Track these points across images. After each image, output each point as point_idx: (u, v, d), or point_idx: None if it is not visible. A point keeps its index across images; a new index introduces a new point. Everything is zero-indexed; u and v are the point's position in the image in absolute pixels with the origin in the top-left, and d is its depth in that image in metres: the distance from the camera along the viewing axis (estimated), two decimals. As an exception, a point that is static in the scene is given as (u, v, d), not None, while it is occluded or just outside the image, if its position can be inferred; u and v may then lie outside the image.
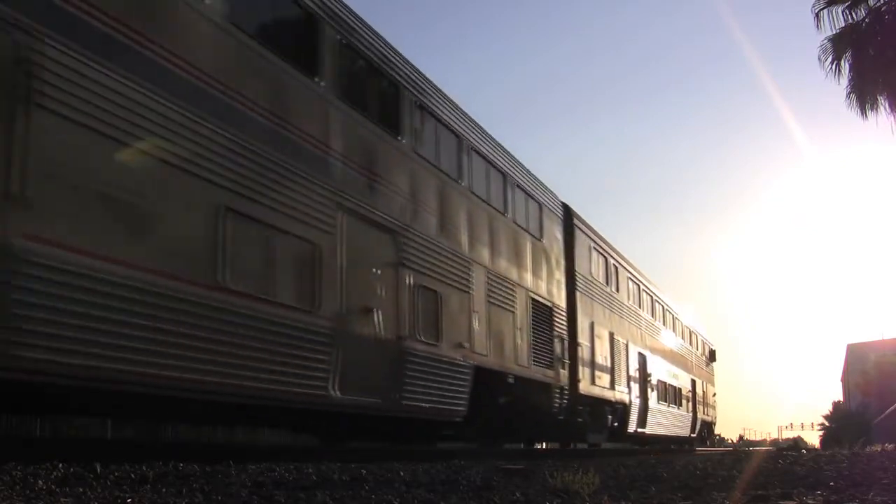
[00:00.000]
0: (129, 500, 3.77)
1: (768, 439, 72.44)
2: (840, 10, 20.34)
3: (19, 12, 5.53)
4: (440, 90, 11.89)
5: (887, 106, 20.40)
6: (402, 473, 6.02)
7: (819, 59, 20.72)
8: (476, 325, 12.22)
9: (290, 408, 8.36)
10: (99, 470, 4.76)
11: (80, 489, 4.04)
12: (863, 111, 20.49)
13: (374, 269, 9.64)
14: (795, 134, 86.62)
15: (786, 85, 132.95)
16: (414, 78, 11.10)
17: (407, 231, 10.42)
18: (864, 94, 20.45)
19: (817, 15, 20.43)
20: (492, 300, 12.87)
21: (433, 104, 11.61)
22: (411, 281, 10.39)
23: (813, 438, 55.55)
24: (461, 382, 11.52)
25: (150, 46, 6.63)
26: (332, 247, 8.77)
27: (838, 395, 72.56)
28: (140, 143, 6.38)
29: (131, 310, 6.16)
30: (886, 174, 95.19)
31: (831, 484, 5.67)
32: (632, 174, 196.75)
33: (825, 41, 20.62)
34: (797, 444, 28.70)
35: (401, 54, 10.81)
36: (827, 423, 57.85)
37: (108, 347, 5.95)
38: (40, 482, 4.18)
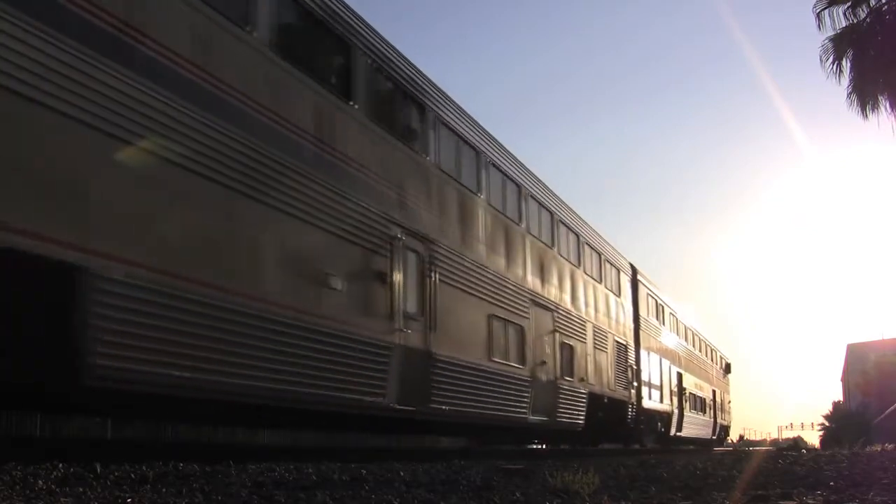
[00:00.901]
0: (129, 500, 3.79)
1: (768, 439, 73.50)
2: (841, 11, 20.27)
3: (429, 241, 11.13)
4: (569, 206, 17.67)
5: (888, 106, 20.37)
6: (402, 473, 6.05)
7: (820, 59, 20.64)
8: (588, 364, 17.90)
9: (510, 427, 14.14)
10: (99, 470, 4.80)
11: (80, 489, 4.05)
12: (863, 111, 20.46)
13: (544, 336, 15.32)
14: (795, 134, 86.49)
15: (786, 85, 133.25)
16: (555, 202, 16.84)
17: (558, 308, 16.15)
18: (865, 94, 20.41)
19: (818, 15, 20.40)
20: (596, 345, 18.61)
21: (567, 218, 17.42)
22: (560, 340, 16.08)
23: (813, 438, 55.34)
24: (582, 404, 17.22)
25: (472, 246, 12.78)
26: (528, 325, 14.45)
27: (838, 395, 71.68)
28: (470, 287, 12.21)
29: (474, 380, 11.98)
30: (886, 174, 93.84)
31: (831, 484, 5.66)
32: (632, 174, 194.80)
33: (826, 41, 20.54)
34: (797, 444, 29.27)
35: (558, 196, 16.81)
36: (827, 423, 57.46)
37: (473, 401, 11.83)
38: (40, 482, 4.19)
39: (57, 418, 8.27)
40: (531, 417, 14.28)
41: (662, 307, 26.84)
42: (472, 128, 12.99)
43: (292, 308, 8.09)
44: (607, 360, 19.52)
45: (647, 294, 24.74)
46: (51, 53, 5.71)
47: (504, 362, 13.25)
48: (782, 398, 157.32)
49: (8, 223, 5.34)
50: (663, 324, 26.76)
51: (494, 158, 13.72)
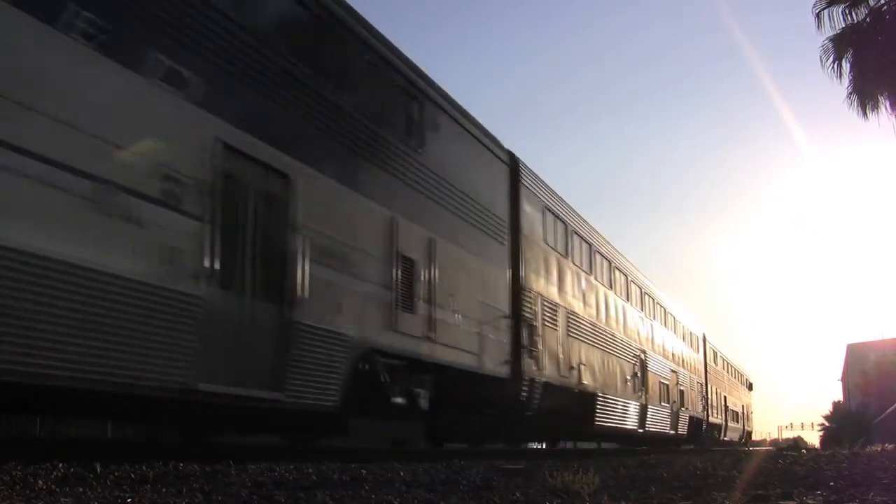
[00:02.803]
0: (129, 500, 3.80)
1: (768, 439, 75.94)
2: (840, 11, 20.15)
3: (644, 352, 23.68)
4: (675, 306, 30.69)
5: (888, 106, 20.32)
6: (402, 473, 6.04)
7: (821, 59, 20.59)
8: (689, 398, 30.08)
9: (664, 438, 26.42)
10: (99, 470, 4.81)
11: (80, 489, 4.07)
12: (864, 111, 20.42)
13: (675, 386, 27.44)
14: (795, 134, 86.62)
15: (786, 85, 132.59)
16: (679, 311, 29.50)
17: (680, 370, 28.54)
18: (865, 94, 20.35)
19: (818, 15, 20.29)
20: (690, 386, 30.79)
21: (683, 319, 30.25)
22: (679, 388, 28.25)
23: (813, 438, 56.95)
24: (686, 421, 29.26)
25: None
26: (670, 383, 26.79)
27: (838, 395, 72.10)
28: (656, 370, 25.07)
29: (658, 415, 25.27)
30: (887, 174, 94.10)
31: (831, 484, 5.66)
32: (632, 174, 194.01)
33: (826, 41, 20.47)
34: (797, 444, 31.58)
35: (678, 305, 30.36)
36: (827, 423, 58.50)
37: (658, 425, 25.14)
38: (40, 482, 4.21)
39: (57, 418, 8.40)
40: (670, 432, 26.61)
41: (716, 353, 39.68)
42: (648, 281, 25.47)
43: (622, 394, 20.49)
44: (695, 394, 31.89)
45: (711, 348, 37.52)
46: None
47: (665, 404, 25.58)
48: (782, 398, 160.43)
49: (582, 382, 18.14)
50: (717, 364, 39.40)
51: (660, 299, 26.63)
